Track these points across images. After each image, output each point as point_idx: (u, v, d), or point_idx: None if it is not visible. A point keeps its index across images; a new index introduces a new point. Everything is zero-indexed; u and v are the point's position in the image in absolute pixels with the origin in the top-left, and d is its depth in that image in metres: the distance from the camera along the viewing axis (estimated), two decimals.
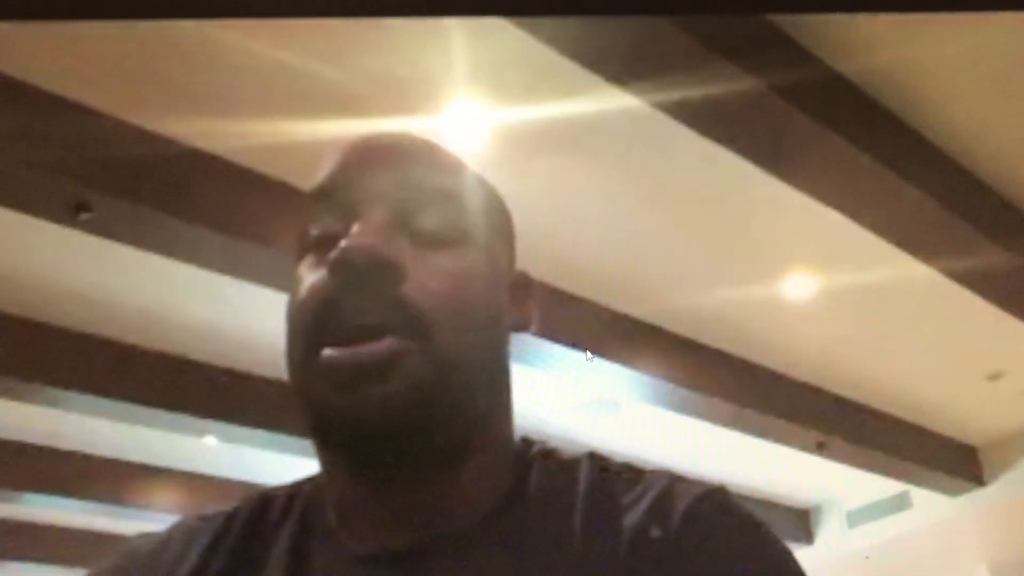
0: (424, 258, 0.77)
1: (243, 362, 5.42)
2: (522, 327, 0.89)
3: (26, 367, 4.92)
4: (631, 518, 0.78)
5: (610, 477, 0.84)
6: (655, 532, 0.77)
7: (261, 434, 5.60)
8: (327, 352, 0.73)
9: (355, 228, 0.75)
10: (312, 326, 0.75)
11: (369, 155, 0.83)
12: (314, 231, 0.80)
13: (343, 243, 0.74)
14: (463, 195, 0.83)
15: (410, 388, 0.72)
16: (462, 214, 0.82)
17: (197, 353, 5.36)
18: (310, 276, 0.78)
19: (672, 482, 0.81)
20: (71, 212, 3.61)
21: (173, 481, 6.83)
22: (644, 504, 0.79)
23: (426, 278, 0.75)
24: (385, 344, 0.72)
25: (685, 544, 0.76)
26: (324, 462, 0.84)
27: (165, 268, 4.22)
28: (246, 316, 4.90)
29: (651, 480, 0.82)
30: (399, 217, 0.78)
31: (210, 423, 5.55)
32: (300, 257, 0.81)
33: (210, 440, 5.93)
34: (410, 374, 0.72)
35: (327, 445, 0.81)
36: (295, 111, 3.56)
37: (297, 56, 3.35)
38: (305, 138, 3.60)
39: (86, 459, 6.53)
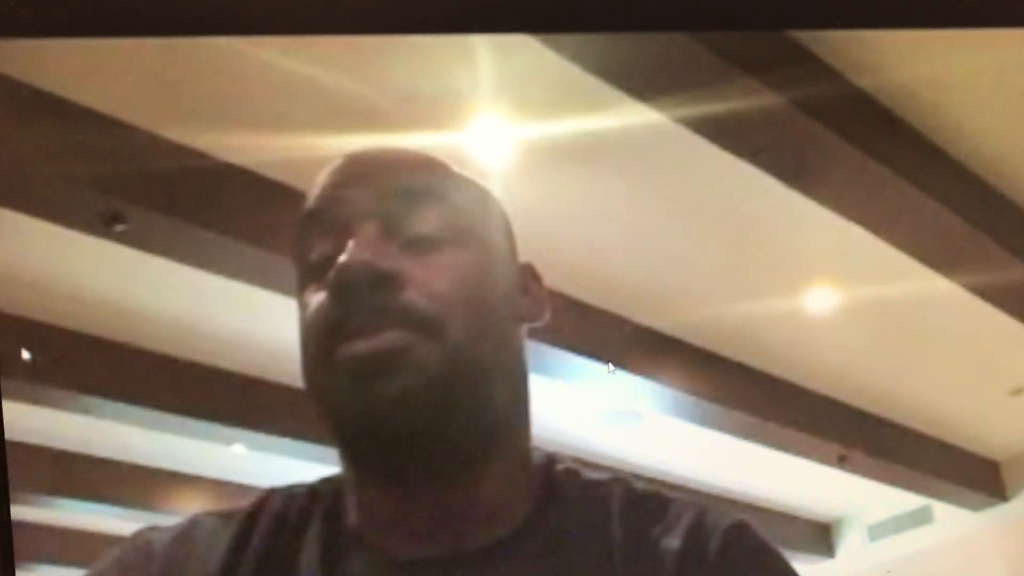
0: (422, 262, 0.77)
1: (272, 371, 5.46)
2: (534, 317, 0.89)
3: (60, 375, 4.97)
4: (670, 543, 0.80)
5: (639, 502, 0.85)
6: (696, 559, 0.80)
7: (289, 442, 5.63)
8: (341, 350, 0.74)
9: (349, 245, 0.76)
10: (322, 337, 0.76)
11: (350, 172, 0.85)
12: (311, 256, 0.81)
13: (338, 262, 0.74)
14: (449, 195, 0.83)
15: (424, 381, 0.73)
16: (452, 213, 0.82)
17: (227, 362, 5.41)
18: (314, 300, 0.78)
19: (702, 511, 0.84)
20: (105, 224, 3.66)
21: (202, 488, 6.86)
22: (680, 531, 0.81)
23: (427, 280, 0.76)
24: (393, 334, 0.73)
25: (724, 572, 0.80)
26: (348, 466, 0.85)
27: (196, 279, 4.28)
28: (275, 326, 4.94)
29: (680, 507, 0.84)
30: (390, 226, 0.78)
31: (239, 431, 5.59)
32: (302, 284, 0.82)
33: (238, 448, 5.97)
34: (422, 367, 0.73)
35: (348, 447, 0.82)
36: (323, 125, 3.61)
37: (326, 72, 3.39)
38: (333, 152, 3.61)
39: (117, 466, 6.57)
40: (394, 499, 0.80)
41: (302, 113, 3.57)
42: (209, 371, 5.40)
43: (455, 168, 0.88)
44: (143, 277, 4.49)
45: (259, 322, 4.97)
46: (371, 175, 0.83)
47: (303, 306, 0.80)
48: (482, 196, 0.88)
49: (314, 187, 0.85)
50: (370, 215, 0.79)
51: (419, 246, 0.78)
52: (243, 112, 3.59)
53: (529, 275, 0.91)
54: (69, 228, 3.82)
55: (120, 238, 3.78)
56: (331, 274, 0.74)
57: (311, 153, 3.70)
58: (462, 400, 0.76)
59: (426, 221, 0.79)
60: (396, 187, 0.81)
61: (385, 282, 0.74)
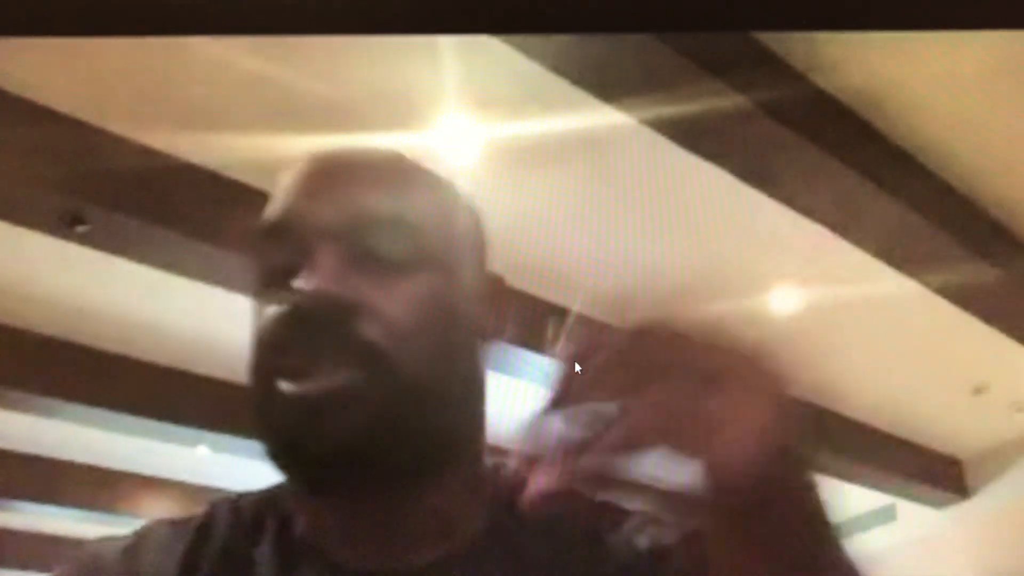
0: (383, 289, 0.74)
1: (235, 373, 5.40)
2: (496, 334, 0.87)
3: (20, 377, 4.93)
4: (625, 551, 0.80)
5: (594, 511, 0.81)
6: (642, 557, 0.80)
7: (253, 444, 5.57)
8: (283, 385, 0.72)
9: (307, 271, 0.74)
10: (267, 362, 0.75)
11: (314, 181, 0.80)
12: (269, 269, 0.78)
13: (296, 287, 0.73)
14: (418, 211, 0.79)
15: (372, 418, 0.71)
16: (418, 233, 0.78)
17: (189, 364, 5.37)
18: (266, 314, 0.76)
19: (655, 518, 0.82)
20: (66, 224, 3.63)
21: (165, 490, 6.82)
22: (627, 531, 0.81)
23: (386, 310, 0.73)
24: (344, 375, 0.71)
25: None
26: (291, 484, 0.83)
27: (158, 280, 4.25)
28: (238, 327, 4.90)
29: (635, 515, 0.84)
30: (352, 249, 0.75)
31: (202, 433, 5.56)
32: (257, 294, 0.80)
33: (203, 450, 5.94)
34: (370, 407, 0.71)
35: (286, 472, 0.79)
36: (286, 125, 3.58)
37: (289, 71, 3.37)
38: (296, 152, 3.62)
39: (79, 468, 6.53)
40: (340, 512, 0.79)
41: (266, 113, 3.55)
42: (173, 373, 5.36)
43: (425, 165, 0.83)
44: (105, 278, 4.46)
45: (223, 323, 4.93)
46: (336, 185, 0.79)
47: (256, 315, 0.78)
48: (452, 204, 0.85)
49: (277, 194, 0.81)
50: (332, 235, 0.75)
51: (381, 271, 0.75)
52: (206, 112, 3.56)
53: (495, 289, 0.88)
54: (30, 229, 3.78)
55: (81, 239, 3.75)
56: (288, 297, 0.73)
57: (275, 153, 3.67)
58: (409, 430, 0.74)
59: (390, 244, 0.76)
60: (361, 204, 0.77)
61: (341, 314, 0.72)
